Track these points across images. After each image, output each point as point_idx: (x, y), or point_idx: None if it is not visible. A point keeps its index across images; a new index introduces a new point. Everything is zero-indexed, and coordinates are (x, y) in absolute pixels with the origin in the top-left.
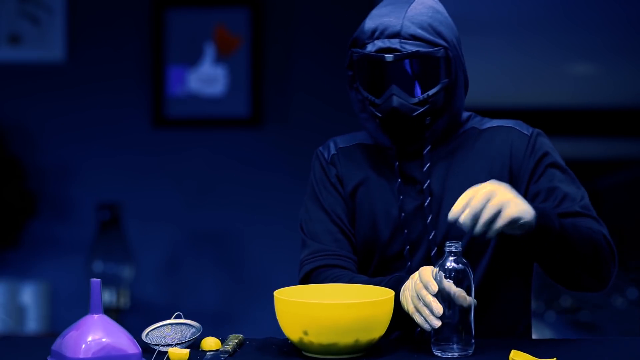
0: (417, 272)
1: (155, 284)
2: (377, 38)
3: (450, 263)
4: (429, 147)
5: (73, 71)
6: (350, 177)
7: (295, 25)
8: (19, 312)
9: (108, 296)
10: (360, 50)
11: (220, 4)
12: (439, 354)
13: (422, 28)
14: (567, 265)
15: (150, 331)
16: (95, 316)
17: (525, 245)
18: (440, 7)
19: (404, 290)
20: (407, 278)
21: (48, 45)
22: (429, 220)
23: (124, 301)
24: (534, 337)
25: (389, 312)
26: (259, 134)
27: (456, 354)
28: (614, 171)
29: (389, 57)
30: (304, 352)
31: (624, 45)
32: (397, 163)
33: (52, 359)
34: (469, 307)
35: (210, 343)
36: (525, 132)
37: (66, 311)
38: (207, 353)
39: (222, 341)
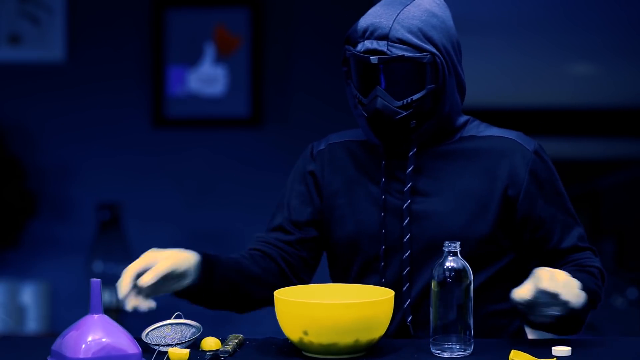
0: None
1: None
2: (367, 38)
3: (449, 263)
4: (415, 149)
5: (73, 71)
6: (334, 172)
7: (295, 25)
8: (19, 312)
9: (108, 296)
10: (351, 49)
11: (220, 4)
12: (438, 354)
13: (410, 32)
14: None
15: (150, 331)
16: (95, 316)
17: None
18: (439, 11)
19: None
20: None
21: (48, 45)
22: (405, 222)
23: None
24: (534, 337)
25: (389, 312)
26: (259, 134)
27: (455, 354)
28: (614, 171)
29: (374, 59)
30: (304, 352)
31: (624, 45)
32: (384, 162)
33: (52, 359)
34: (468, 306)
35: (210, 343)
36: (528, 147)
37: (66, 311)
38: (207, 353)
39: (222, 341)
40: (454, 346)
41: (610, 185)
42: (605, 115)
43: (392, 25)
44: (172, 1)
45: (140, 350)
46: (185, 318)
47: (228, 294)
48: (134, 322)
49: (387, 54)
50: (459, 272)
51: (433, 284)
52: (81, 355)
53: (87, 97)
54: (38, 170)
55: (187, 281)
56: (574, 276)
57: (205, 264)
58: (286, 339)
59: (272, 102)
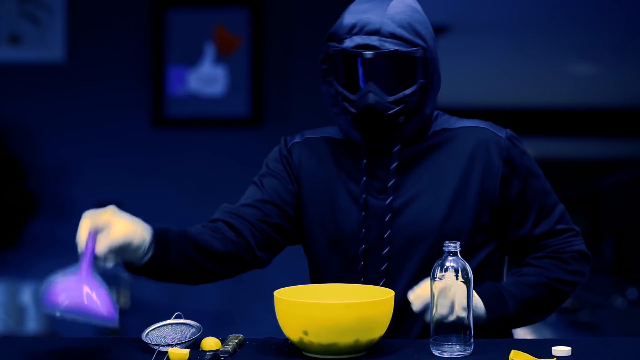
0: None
1: (156, 284)
2: (356, 34)
3: (449, 262)
4: (399, 146)
5: (73, 71)
6: (309, 166)
7: (295, 25)
8: (19, 312)
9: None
10: (337, 45)
11: (220, 4)
12: (438, 354)
13: (402, 27)
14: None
15: (150, 331)
16: (84, 271)
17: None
18: (419, 7)
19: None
20: None
21: (48, 45)
22: (387, 218)
23: (124, 301)
24: (534, 337)
25: (389, 312)
26: (259, 134)
27: (455, 354)
28: (614, 171)
29: (368, 54)
30: (304, 352)
31: (624, 45)
32: (365, 160)
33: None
34: (468, 306)
35: (210, 343)
36: (500, 134)
37: None
38: (207, 353)
39: (222, 341)
40: (454, 346)
41: (610, 185)
42: (605, 115)
43: (382, 20)
44: (172, 1)
45: (116, 316)
46: (185, 318)
47: (185, 269)
48: (134, 322)
49: (380, 49)
50: (458, 272)
51: (433, 284)
52: (59, 304)
53: (87, 97)
54: (38, 170)
55: (139, 255)
56: (517, 279)
57: (159, 241)
58: (286, 339)
59: (272, 102)
